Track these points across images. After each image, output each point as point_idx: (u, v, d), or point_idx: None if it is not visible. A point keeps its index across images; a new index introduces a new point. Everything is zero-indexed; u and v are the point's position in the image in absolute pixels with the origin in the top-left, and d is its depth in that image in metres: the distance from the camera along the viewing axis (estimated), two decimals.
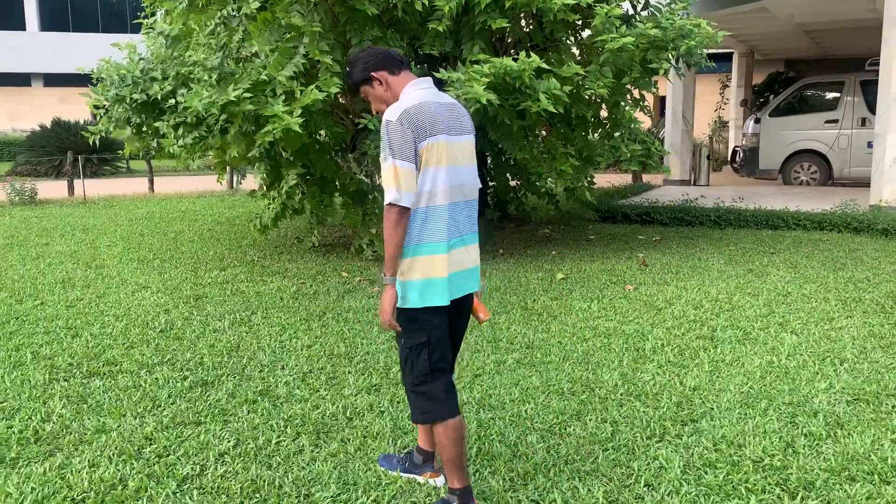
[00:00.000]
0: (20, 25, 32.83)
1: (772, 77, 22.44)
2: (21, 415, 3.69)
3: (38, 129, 20.68)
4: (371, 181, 8.11)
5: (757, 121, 14.05)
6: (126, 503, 2.85)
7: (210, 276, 6.84)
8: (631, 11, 7.79)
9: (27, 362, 4.48)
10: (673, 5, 6.53)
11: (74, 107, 31.82)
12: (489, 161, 9.81)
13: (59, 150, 18.79)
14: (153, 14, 9.08)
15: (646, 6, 7.69)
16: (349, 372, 4.27)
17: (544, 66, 5.77)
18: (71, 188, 13.81)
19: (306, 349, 4.68)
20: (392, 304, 2.54)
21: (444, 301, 2.59)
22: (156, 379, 4.16)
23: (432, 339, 2.61)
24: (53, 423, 3.59)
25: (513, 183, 9.81)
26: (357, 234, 7.99)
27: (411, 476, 3.00)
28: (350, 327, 5.17)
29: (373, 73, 2.65)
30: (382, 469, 3.06)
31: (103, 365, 4.41)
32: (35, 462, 3.19)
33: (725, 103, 22.39)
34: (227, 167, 9.62)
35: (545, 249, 8.07)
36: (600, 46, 6.49)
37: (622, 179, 14.51)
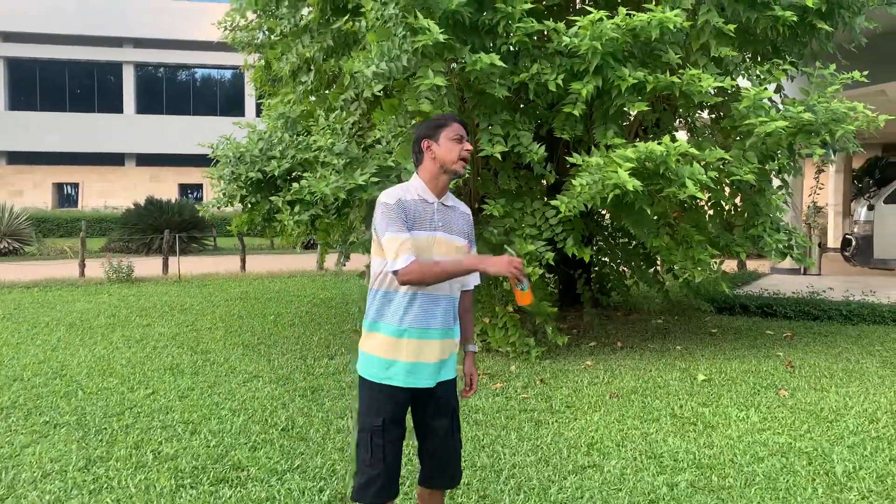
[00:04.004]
0: (119, 108, 34.66)
1: (871, 162, 21.58)
2: None
3: (132, 206, 21.29)
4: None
5: (870, 208, 13.28)
6: None
7: (320, 365, 6.50)
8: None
9: (149, 463, 4.15)
10: (823, 89, 6.08)
11: (163, 185, 33.08)
12: (595, 245, 9.39)
13: (152, 228, 19.24)
14: (261, 97, 9.21)
15: (777, 89, 7.26)
16: (501, 490, 3.78)
17: (693, 150, 5.38)
18: (165, 266, 13.93)
19: None
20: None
21: None
22: (289, 490, 3.76)
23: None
24: None
25: (621, 270, 9.35)
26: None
27: None
28: (485, 432, 4.70)
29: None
30: None
31: (230, 469, 4.04)
32: None
33: (821, 188, 21.54)
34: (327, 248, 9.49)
35: (667, 343, 7.49)
36: (742, 130, 6.08)
37: (726, 267, 13.80)
